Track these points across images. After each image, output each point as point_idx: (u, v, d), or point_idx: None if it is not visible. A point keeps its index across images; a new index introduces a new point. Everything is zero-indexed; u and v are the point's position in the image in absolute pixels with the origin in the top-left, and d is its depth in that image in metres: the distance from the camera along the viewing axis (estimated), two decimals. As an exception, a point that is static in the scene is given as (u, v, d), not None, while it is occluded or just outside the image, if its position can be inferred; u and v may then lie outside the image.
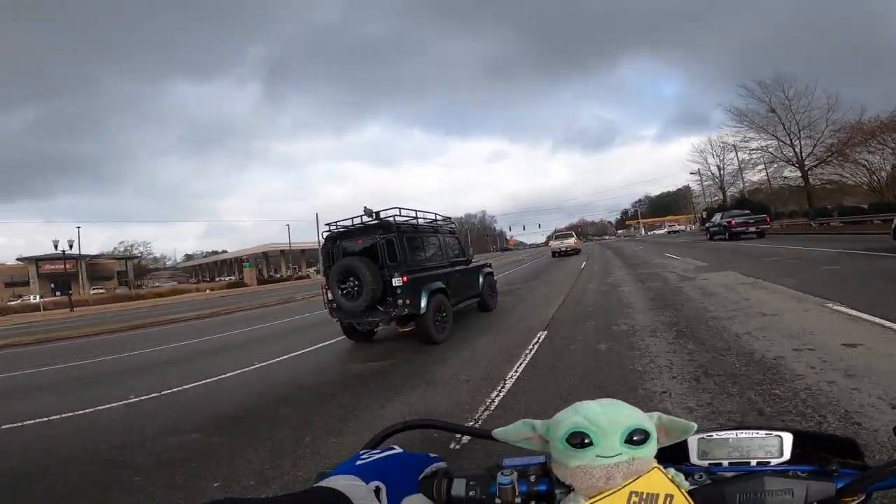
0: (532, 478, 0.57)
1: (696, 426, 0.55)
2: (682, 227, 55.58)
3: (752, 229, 19.94)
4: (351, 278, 6.09)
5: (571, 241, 25.19)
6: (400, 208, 6.77)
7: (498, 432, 0.60)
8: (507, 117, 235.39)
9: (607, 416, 0.52)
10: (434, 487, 0.56)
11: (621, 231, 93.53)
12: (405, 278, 5.96)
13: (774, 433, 0.58)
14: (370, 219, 6.57)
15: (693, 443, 0.59)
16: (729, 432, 0.59)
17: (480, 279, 8.52)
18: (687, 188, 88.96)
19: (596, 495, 0.49)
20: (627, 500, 0.48)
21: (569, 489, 0.53)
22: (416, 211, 7.23)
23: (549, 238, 27.29)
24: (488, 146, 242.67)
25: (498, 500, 0.54)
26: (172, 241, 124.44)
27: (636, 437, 0.51)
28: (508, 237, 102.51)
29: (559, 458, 0.53)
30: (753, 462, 0.58)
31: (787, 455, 0.57)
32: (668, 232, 57.23)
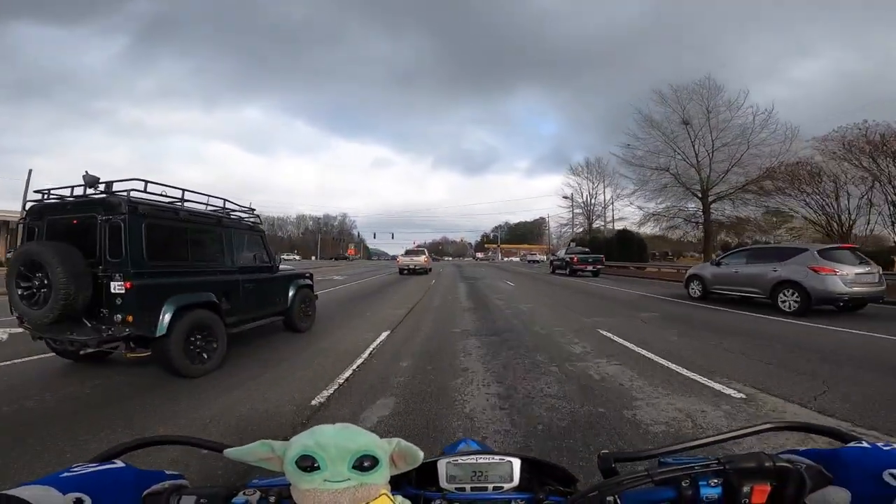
0: (272, 499, 0.57)
1: (421, 455, 0.57)
2: (541, 258, 58.64)
3: (590, 268, 22.05)
4: (38, 274, 4.15)
5: (421, 259, 24.05)
6: (147, 181, 4.46)
7: (231, 452, 0.58)
8: (398, 126, 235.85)
9: (337, 440, 0.53)
10: None
11: (479, 254, 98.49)
12: (129, 284, 4.11)
13: (506, 458, 0.65)
14: (93, 191, 4.49)
15: (442, 467, 0.65)
16: (470, 457, 0.65)
17: (290, 292, 6.81)
18: (542, 220, 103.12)
19: None
20: None
21: None
22: (183, 190, 5.00)
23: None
24: (373, 152, 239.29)
25: None
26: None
27: (366, 463, 0.52)
28: (370, 245, 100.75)
29: (291, 481, 0.54)
30: (490, 487, 0.63)
31: (516, 480, 0.64)
32: (529, 261, 56.77)
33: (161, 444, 0.70)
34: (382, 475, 0.53)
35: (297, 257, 74.88)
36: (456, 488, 0.64)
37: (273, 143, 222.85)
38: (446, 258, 77.08)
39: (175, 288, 4.51)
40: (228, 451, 0.57)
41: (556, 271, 24.78)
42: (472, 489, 0.63)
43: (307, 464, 0.52)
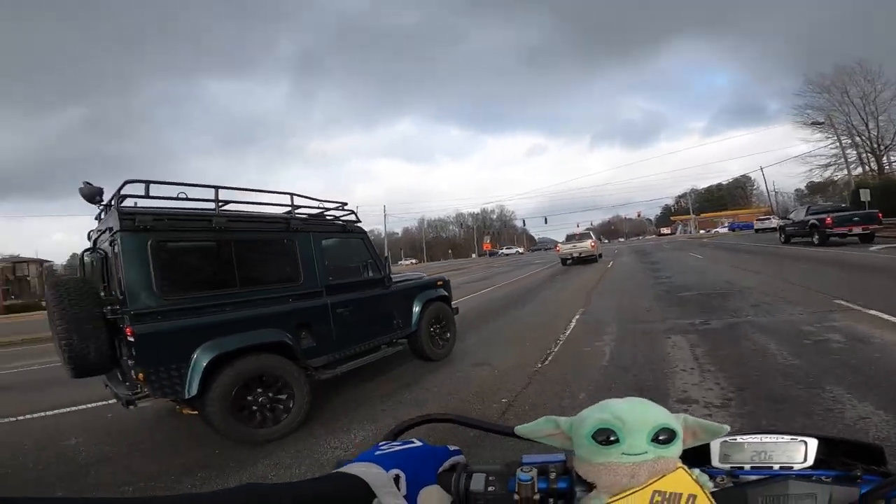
0: (552, 475, 0.58)
1: (728, 429, 0.57)
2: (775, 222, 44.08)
3: (856, 230, 15.07)
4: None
5: (587, 244, 19.99)
6: (149, 182, 3.19)
7: (521, 429, 0.61)
8: (544, 111, 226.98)
9: (634, 414, 0.53)
10: (453, 481, 0.57)
11: (665, 229, 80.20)
12: (130, 330, 2.91)
13: (799, 438, 0.59)
14: (96, 206, 3.52)
15: (716, 446, 0.60)
16: (753, 436, 0.61)
17: (415, 309, 5.09)
18: (746, 179, 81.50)
19: (619, 493, 0.50)
20: (651, 498, 0.49)
21: (590, 487, 0.54)
22: (216, 188, 3.55)
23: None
24: (525, 141, 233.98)
25: (516, 496, 0.55)
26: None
27: (662, 437, 0.52)
28: (538, 234, 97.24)
29: (583, 455, 0.54)
30: (776, 466, 0.59)
31: (810, 461, 0.59)
32: (758, 230, 38.47)
33: (449, 422, 0.73)
34: (677, 449, 0.52)
35: (412, 261, 73.75)
36: (732, 467, 0.60)
37: (430, 151, 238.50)
38: (619, 239, 65.97)
39: (211, 329, 3.12)
40: (519, 429, 0.61)
41: (792, 240, 18.03)
42: (753, 468, 0.59)
43: (604, 437, 0.52)
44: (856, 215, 15.33)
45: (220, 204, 3.49)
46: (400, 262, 74.46)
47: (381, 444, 0.62)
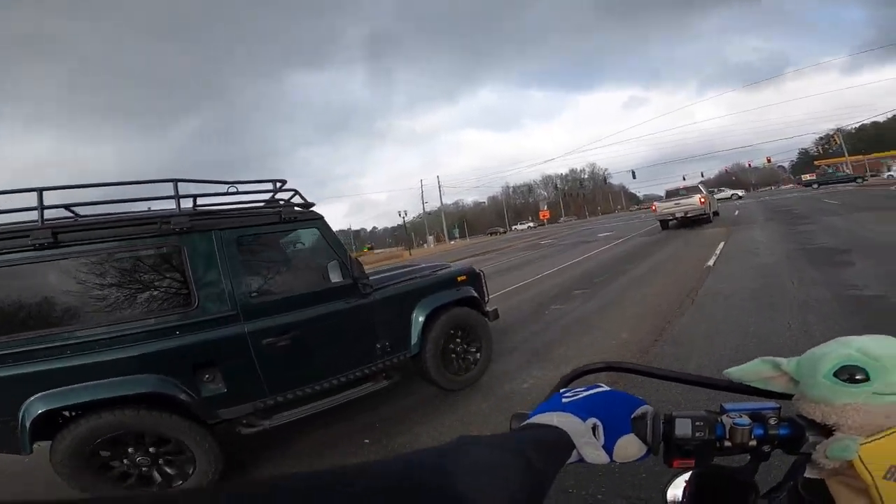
0: (772, 420, 0.53)
1: None
2: None
3: None
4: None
5: (695, 199, 16.16)
6: None
7: (732, 371, 0.59)
8: (640, 62, 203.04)
9: (887, 350, 0.49)
10: (650, 427, 0.52)
11: (807, 176, 62.32)
12: None
13: None
14: None
15: None
16: None
17: (415, 322, 3.67)
18: None
19: (875, 433, 0.47)
20: None
21: (825, 432, 0.50)
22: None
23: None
24: (620, 96, 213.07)
25: (727, 443, 0.53)
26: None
27: None
28: (643, 192, 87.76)
29: (819, 396, 0.50)
30: None
31: None
32: None
33: (633, 372, 0.69)
34: None
35: (529, 224, 71.11)
36: None
37: (516, 118, 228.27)
38: (737, 192, 53.54)
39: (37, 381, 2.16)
40: (729, 371, 0.59)
41: None
42: None
43: (847, 375, 0.48)
44: None
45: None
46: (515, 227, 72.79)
47: (563, 391, 0.58)
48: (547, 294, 7.52)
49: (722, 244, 10.19)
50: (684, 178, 48.93)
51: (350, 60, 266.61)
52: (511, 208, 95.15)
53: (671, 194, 17.65)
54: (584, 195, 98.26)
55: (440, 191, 61.85)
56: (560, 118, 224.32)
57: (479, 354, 4.01)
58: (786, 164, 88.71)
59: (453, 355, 3.83)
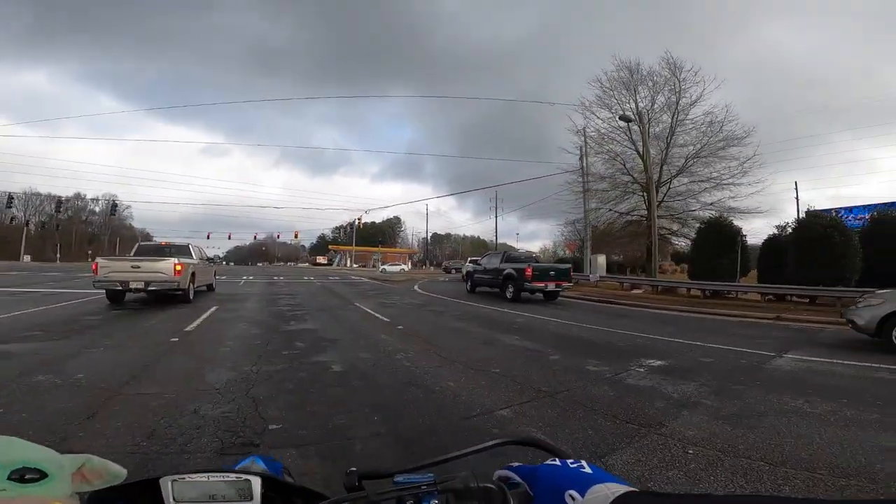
0: None
1: (124, 473, 0.58)
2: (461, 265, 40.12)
3: (551, 286, 12.47)
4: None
5: (165, 266, 9.73)
6: None
7: None
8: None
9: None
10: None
11: (321, 258, 72.68)
12: None
13: (244, 477, 0.62)
14: None
15: (167, 485, 0.60)
16: (202, 475, 0.62)
17: None
18: (397, 220, 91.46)
19: None
20: None
21: None
22: None
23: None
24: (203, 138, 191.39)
25: None
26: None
27: (28, 476, 0.51)
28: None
29: None
30: None
31: (257, 500, 0.61)
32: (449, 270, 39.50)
33: None
34: (53, 489, 0.52)
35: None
36: None
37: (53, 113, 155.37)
38: (258, 264, 53.22)
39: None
40: None
41: (477, 289, 14.85)
42: None
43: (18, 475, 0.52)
44: (553, 268, 12.91)
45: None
46: None
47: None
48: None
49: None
50: (209, 237, 43.87)
51: None
52: None
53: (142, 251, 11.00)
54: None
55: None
56: (121, 136, 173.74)
57: None
58: (306, 244, 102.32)
59: None
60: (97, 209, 78.95)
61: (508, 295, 12.75)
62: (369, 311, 9.80)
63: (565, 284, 13.03)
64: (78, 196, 76.71)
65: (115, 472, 0.56)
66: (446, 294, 15.29)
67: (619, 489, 0.50)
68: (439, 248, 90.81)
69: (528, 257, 14.64)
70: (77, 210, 77.44)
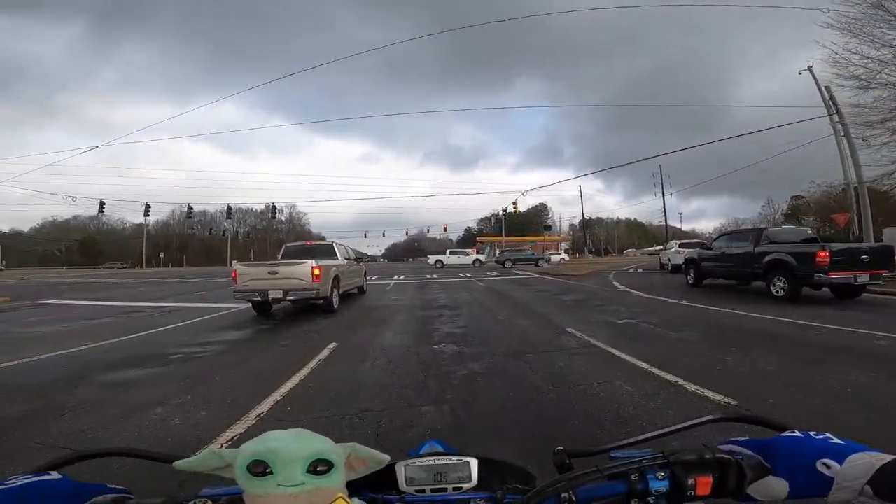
0: None
1: (387, 458, 0.58)
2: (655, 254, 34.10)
3: (865, 278, 7.56)
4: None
5: (302, 270, 8.08)
6: None
7: (181, 463, 0.56)
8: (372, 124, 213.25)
9: (288, 445, 0.53)
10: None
11: (472, 249, 67.57)
12: None
13: (463, 459, 0.66)
14: None
15: (400, 470, 0.66)
16: (429, 459, 0.67)
17: None
18: (543, 206, 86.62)
19: None
20: None
21: None
22: None
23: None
24: (357, 149, 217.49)
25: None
26: None
27: (320, 468, 0.52)
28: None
29: (244, 487, 0.53)
30: (450, 488, 0.64)
31: (474, 480, 0.65)
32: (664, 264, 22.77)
33: (103, 455, 0.66)
34: (338, 479, 0.53)
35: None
36: (416, 490, 0.65)
37: (248, 140, 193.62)
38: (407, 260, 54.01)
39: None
40: (178, 464, 0.56)
41: (704, 281, 10.82)
42: (433, 490, 0.64)
43: (259, 469, 0.51)
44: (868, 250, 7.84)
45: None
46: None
47: (9, 478, 0.54)
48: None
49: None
50: (366, 235, 45.19)
51: (67, 8, 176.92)
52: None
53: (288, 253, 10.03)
54: (279, 236, 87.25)
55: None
56: (295, 154, 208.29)
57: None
58: (454, 238, 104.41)
59: None
60: (283, 217, 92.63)
61: (778, 292, 8.25)
62: (604, 346, 5.27)
63: (885, 273, 7.87)
64: (268, 207, 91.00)
65: (379, 458, 0.57)
66: (655, 292, 11.06)
67: (885, 458, 0.47)
68: (590, 234, 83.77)
69: (806, 236, 9.62)
70: (269, 220, 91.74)
